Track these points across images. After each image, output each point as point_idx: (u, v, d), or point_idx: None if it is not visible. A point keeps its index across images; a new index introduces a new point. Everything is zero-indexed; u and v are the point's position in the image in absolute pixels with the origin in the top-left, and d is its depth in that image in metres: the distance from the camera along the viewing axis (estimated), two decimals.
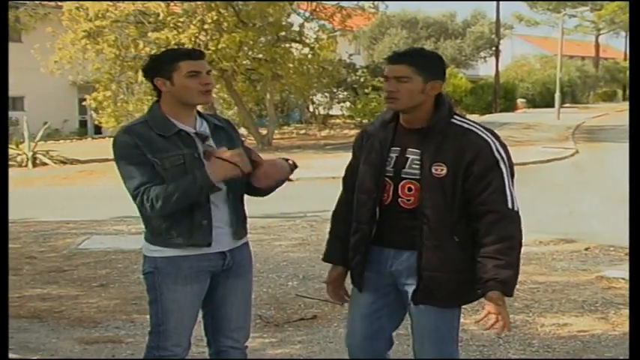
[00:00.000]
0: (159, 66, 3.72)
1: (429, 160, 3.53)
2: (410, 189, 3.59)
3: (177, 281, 3.72)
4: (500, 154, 3.56)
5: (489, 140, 3.58)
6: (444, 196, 3.52)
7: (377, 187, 3.64)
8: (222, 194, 3.73)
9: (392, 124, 3.68)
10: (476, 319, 6.42)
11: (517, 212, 3.57)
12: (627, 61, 46.33)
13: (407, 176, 3.60)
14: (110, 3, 22.95)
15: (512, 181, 3.59)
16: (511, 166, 3.60)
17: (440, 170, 3.52)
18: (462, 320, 6.39)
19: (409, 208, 3.60)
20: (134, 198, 3.64)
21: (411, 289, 3.65)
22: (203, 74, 3.70)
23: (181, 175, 3.61)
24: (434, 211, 3.53)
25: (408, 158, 3.60)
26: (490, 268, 3.48)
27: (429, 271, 3.57)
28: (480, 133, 3.59)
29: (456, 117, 3.64)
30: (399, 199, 3.62)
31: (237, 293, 3.91)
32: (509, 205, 3.53)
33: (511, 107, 46.13)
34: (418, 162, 3.57)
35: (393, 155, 3.63)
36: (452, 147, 3.53)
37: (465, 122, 3.64)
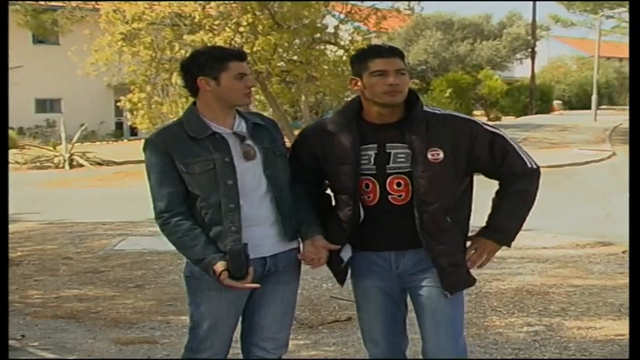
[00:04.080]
0: (205, 64, 3.57)
1: (423, 147, 3.49)
2: (399, 184, 3.54)
3: (210, 287, 3.62)
4: (490, 126, 3.66)
5: (473, 120, 3.68)
6: (444, 180, 3.52)
7: (355, 185, 3.58)
8: (260, 194, 3.61)
9: (354, 121, 3.62)
10: (511, 321, 6.45)
11: (536, 169, 3.68)
12: None
13: (394, 171, 3.54)
14: (147, 4, 23.09)
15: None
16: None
17: (437, 155, 3.50)
18: (496, 323, 6.44)
19: (401, 204, 3.55)
20: (155, 214, 3.64)
21: (424, 283, 3.62)
22: (248, 76, 3.62)
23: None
24: (434, 197, 3.50)
25: (390, 153, 3.55)
26: (494, 217, 3.65)
27: (444, 256, 3.56)
28: (460, 115, 3.68)
29: (426, 107, 3.66)
30: (389, 196, 3.56)
31: (275, 301, 3.77)
32: (529, 165, 3.64)
33: (547, 109, 45.74)
34: (403, 155, 3.52)
35: (371, 153, 3.56)
36: (441, 132, 3.53)
37: (437, 110, 3.69)
